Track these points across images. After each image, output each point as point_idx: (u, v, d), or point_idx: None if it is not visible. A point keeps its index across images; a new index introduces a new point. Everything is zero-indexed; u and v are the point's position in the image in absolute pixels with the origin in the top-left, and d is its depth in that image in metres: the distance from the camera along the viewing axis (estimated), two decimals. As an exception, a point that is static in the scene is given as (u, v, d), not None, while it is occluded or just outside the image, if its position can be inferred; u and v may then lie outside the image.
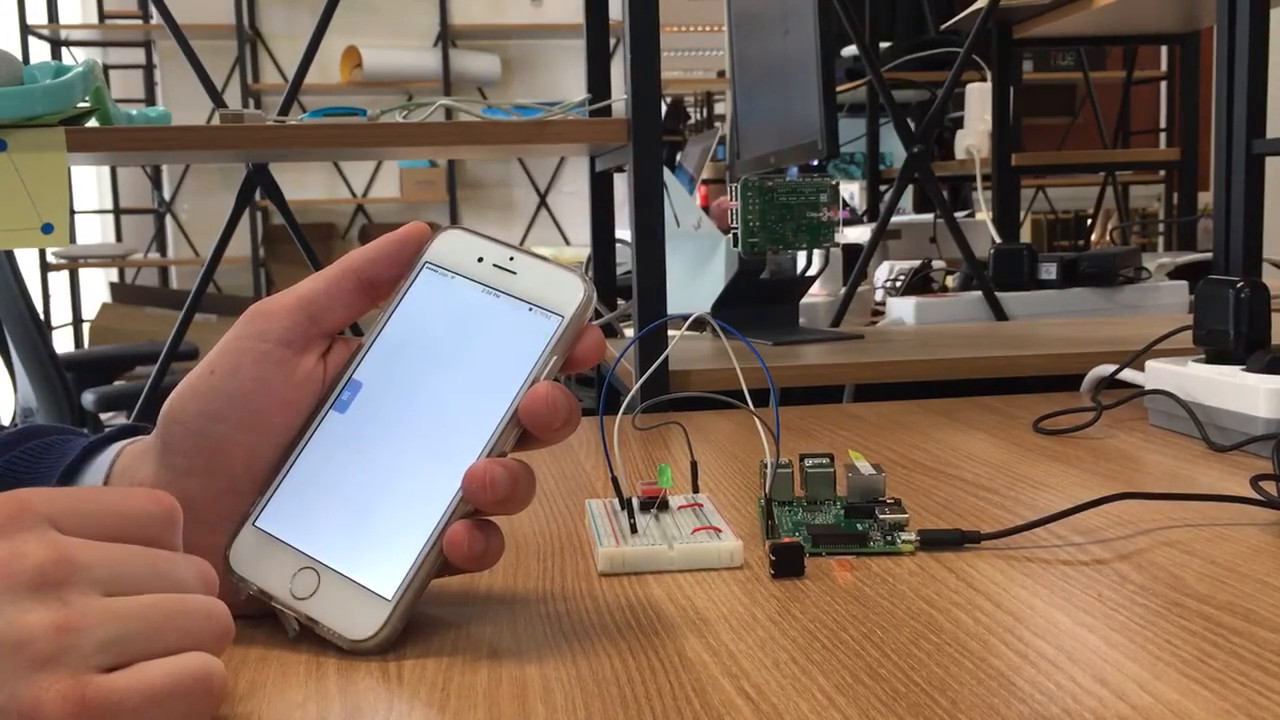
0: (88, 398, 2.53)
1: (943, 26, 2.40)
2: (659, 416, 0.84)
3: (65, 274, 4.91)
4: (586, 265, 1.51)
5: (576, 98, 1.28)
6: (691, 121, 4.18)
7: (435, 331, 0.48)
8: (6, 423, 2.69)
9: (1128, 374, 0.90)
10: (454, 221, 5.08)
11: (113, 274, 5.10)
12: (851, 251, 1.55)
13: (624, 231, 1.21)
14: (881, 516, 0.57)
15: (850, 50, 2.85)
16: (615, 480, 0.58)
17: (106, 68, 4.87)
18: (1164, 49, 3.82)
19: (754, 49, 1.42)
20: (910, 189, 2.72)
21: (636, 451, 0.81)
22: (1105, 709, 0.37)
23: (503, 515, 0.46)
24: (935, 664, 0.41)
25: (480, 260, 0.48)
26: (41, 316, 2.49)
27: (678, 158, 3.04)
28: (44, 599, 0.35)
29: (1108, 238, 3.61)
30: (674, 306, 1.02)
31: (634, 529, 0.55)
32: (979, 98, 2.39)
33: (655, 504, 0.58)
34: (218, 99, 1.42)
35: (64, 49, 4.97)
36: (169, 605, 0.37)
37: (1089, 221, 3.84)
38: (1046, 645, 0.43)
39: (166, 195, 5.14)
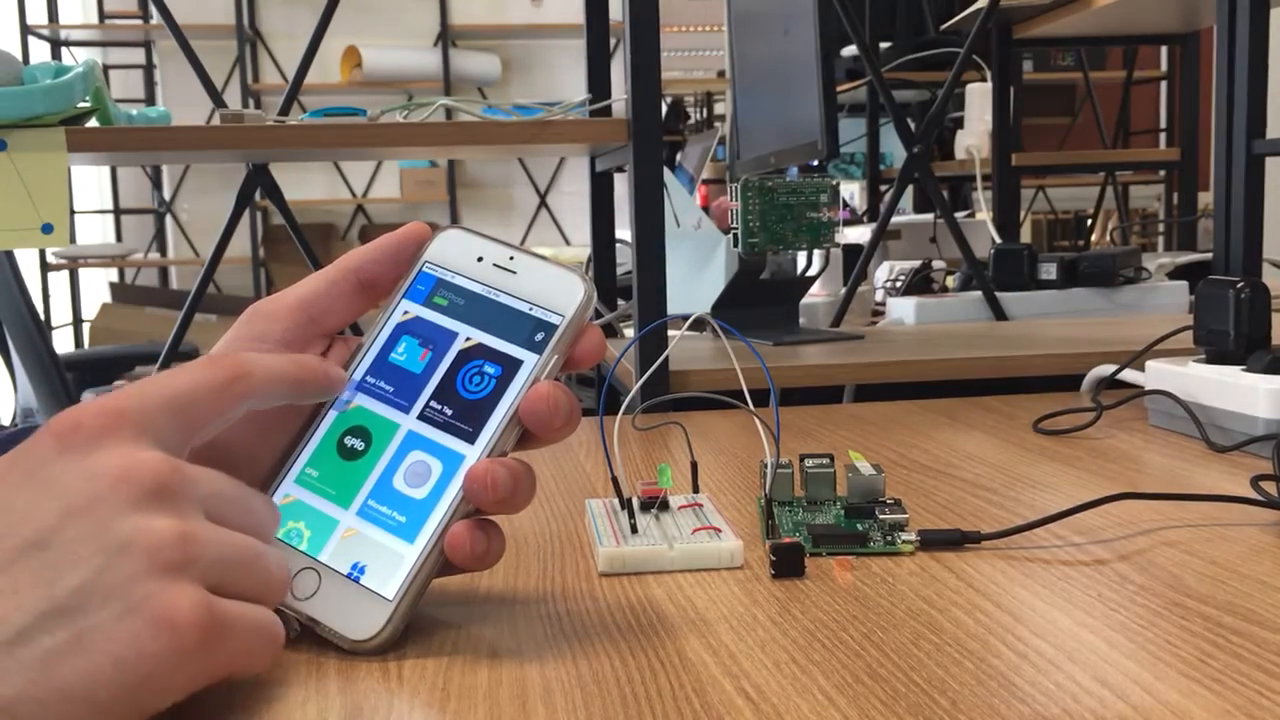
0: (88, 398, 2.53)
1: (943, 26, 2.40)
2: (659, 416, 0.84)
3: (65, 274, 4.91)
4: (586, 265, 1.51)
5: (576, 98, 1.28)
6: (691, 121, 4.18)
7: (435, 331, 0.48)
8: (6, 423, 2.70)
9: (1128, 374, 0.90)
10: (454, 221, 5.08)
11: (113, 274, 5.10)
12: (851, 251, 1.55)
13: (624, 231, 1.21)
14: (881, 516, 0.57)
15: (850, 50, 2.85)
16: (615, 480, 0.58)
17: (106, 68, 4.88)
18: (1164, 49, 3.82)
19: (754, 49, 1.42)
20: (910, 189, 2.72)
21: (636, 451, 0.81)
22: (1105, 709, 0.37)
23: (504, 515, 0.46)
24: (935, 664, 0.41)
25: (480, 260, 0.48)
26: (41, 316, 2.49)
27: (678, 158, 3.05)
28: (164, 506, 0.36)
29: (1108, 238, 3.61)
30: (674, 306, 1.02)
31: (634, 529, 0.55)
32: (979, 98, 2.39)
33: (655, 504, 0.58)
34: (218, 99, 1.42)
35: (64, 49, 4.97)
36: (254, 548, 0.39)
37: (1089, 221, 3.84)
38: (1046, 645, 0.43)
39: (166, 195, 5.15)
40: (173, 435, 0.39)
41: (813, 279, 1.22)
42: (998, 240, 1.87)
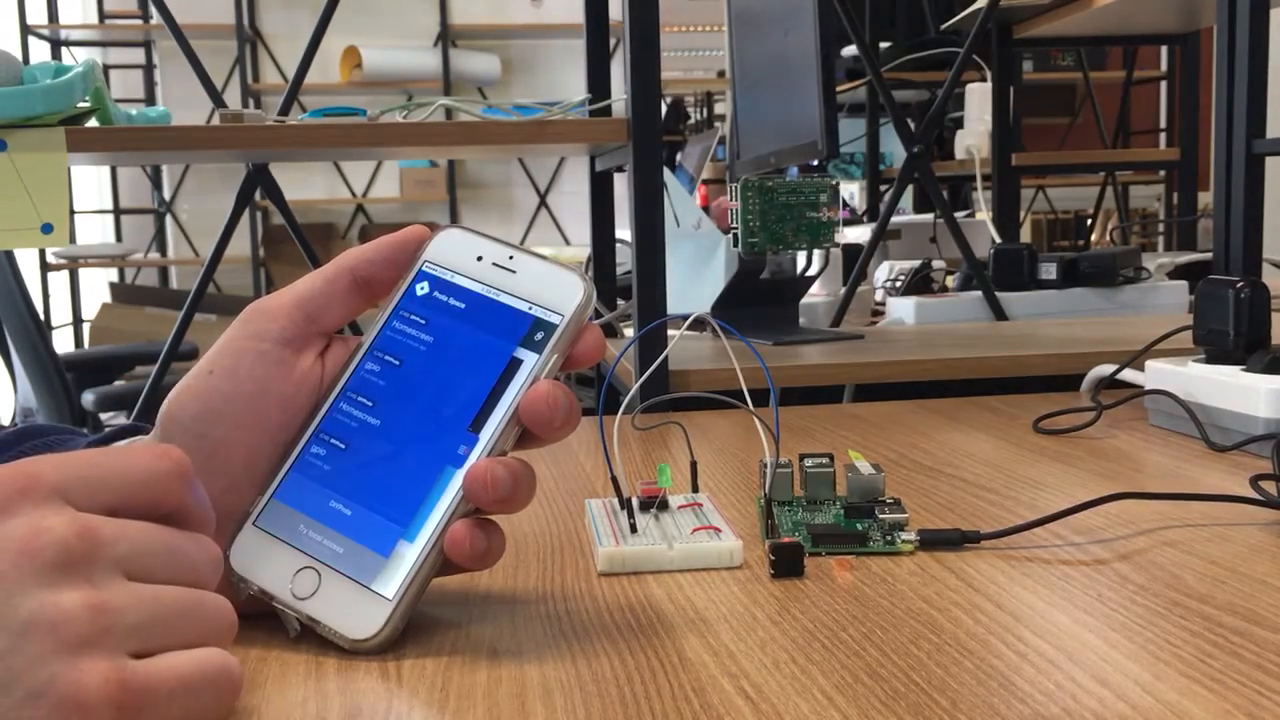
0: (88, 398, 2.54)
1: (943, 26, 2.40)
2: (659, 416, 0.84)
3: (65, 274, 4.91)
4: (586, 265, 1.51)
5: (576, 98, 1.28)
6: (691, 121, 4.19)
7: (434, 330, 0.48)
8: (6, 423, 2.69)
9: (1128, 374, 0.90)
10: (454, 221, 5.08)
11: (113, 274, 5.10)
12: (851, 251, 1.55)
13: (624, 231, 1.21)
14: (881, 516, 0.57)
15: (850, 50, 2.85)
16: (615, 480, 0.58)
17: (106, 68, 4.88)
18: (1164, 49, 3.82)
19: (754, 49, 1.42)
20: (910, 189, 2.72)
21: (636, 451, 0.81)
22: (1105, 709, 0.37)
23: (504, 514, 0.46)
24: (935, 664, 0.41)
25: (479, 259, 0.48)
26: (41, 316, 2.49)
27: (678, 158, 3.05)
28: (71, 578, 0.34)
29: (1108, 238, 3.61)
30: (674, 306, 1.02)
31: (634, 529, 0.55)
32: (979, 98, 2.39)
33: (655, 504, 0.58)
34: (218, 99, 1.42)
35: (64, 49, 4.97)
36: (186, 597, 0.37)
37: (1089, 221, 3.84)
38: (1046, 645, 0.43)
39: (166, 195, 5.15)
40: (90, 496, 0.36)
41: (813, 279, 1.22)
42: (998, 240, 1.88)
